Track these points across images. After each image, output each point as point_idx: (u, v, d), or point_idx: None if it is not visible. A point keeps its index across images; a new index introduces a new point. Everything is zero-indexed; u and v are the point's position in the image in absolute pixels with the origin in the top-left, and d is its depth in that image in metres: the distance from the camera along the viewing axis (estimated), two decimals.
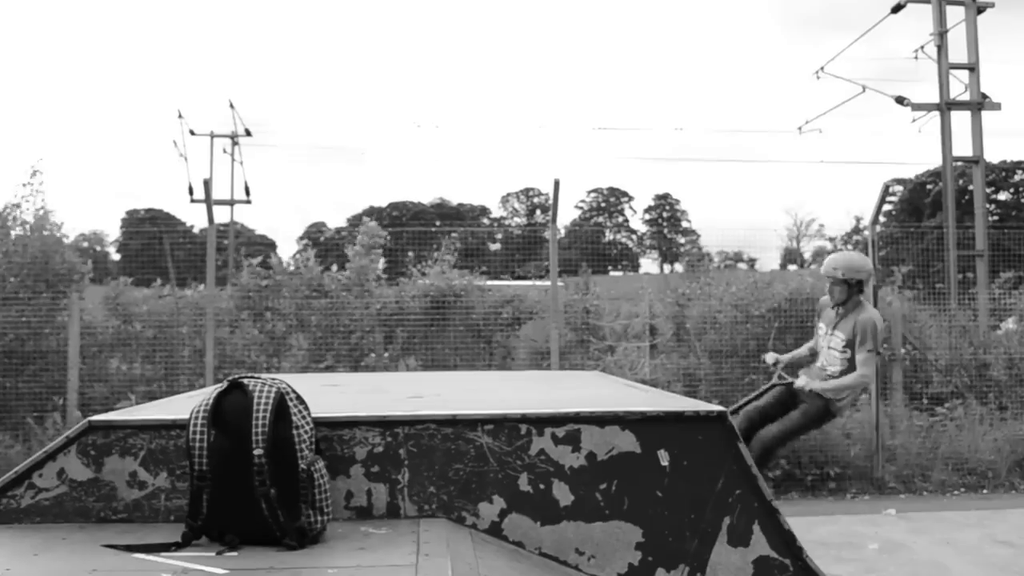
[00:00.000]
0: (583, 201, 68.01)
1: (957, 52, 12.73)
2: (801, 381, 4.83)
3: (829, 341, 4.87)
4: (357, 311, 9.04)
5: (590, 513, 2.10)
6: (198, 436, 1.86)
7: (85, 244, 9.72)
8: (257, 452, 1.82)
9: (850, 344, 4.73)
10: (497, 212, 69.04)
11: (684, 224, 66.80)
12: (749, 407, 5.03)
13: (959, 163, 13.31)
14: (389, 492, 2.09)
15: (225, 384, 1.94)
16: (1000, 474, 8.19)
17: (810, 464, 7.98)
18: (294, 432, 1.88)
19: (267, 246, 23.96)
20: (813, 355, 5.15)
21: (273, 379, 1.96)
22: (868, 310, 4.79)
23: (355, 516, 2.07)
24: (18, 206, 9.14)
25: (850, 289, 4.76)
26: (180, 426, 2.03)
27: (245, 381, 1.92)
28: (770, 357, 5.15)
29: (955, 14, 12.77)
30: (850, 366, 4.76)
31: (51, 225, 9.13)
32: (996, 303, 10.21)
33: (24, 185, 9.14)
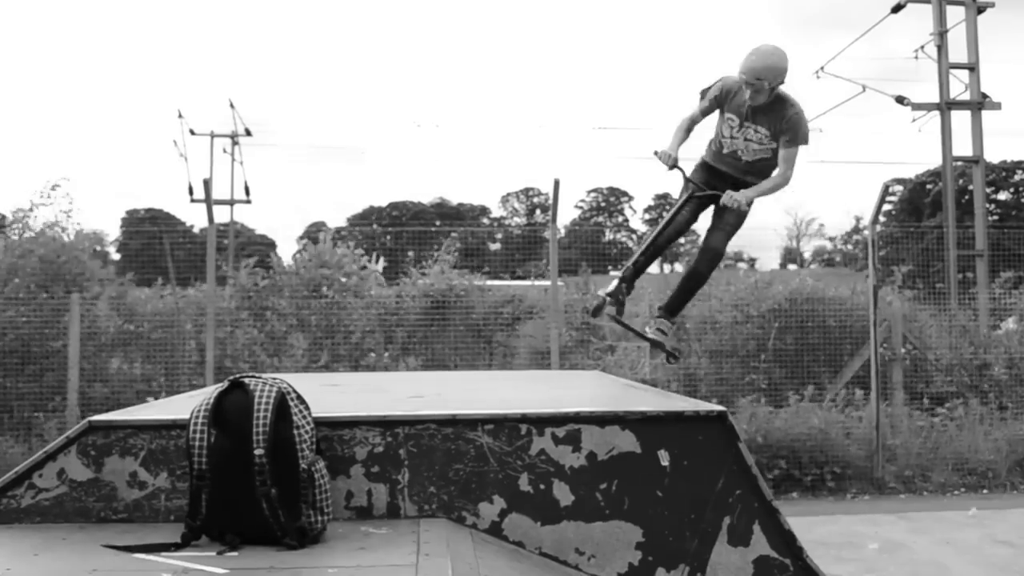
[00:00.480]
0: (583, 201, 68.05)
1: (957, 52, 12.74)
2: (728, 199, 4.18)
3: (746, 133, 4.25)
4: (357, 311, 9.04)
5: (590, 513, 2.10)
6: (198, 436, 1.86)
7: (85, 244, 9.76)
8: (258, 452, 1.82)
9: (775, 137, 4.18)
10: (497, 212, 69.05)
11: None
12: (679, 220, 4.38)
13: (959, 163, 13.31)
14: (389, 492, 2.09)
15: (226, 383, 1.94)
16: (1000, 474, 8.19)
17: (810, 464, 7.98)
18: (295, 432, 1.88)
19: (267, 246, 23.96)
20: (689, 131, 4.42)
21: (274, 379, 1.96)
22: (795, 102, 4.22)
23: (355, 516, 2.07)
24: (31, 211, 9.29)
25: (772, 90, 4.15)
26: (180, 426, 2.02)
27: (246, 380, 1.92)
28: (663, 155, 4.26)
29: (955, 14, 12.78)
30: (773, 157, 4.25)
31: (66, 230, 9.29)
32: (996, 303, 10.21)
33: (41, 195, 9.35)
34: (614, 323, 4.25)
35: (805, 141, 4.18)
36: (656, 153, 4.26)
